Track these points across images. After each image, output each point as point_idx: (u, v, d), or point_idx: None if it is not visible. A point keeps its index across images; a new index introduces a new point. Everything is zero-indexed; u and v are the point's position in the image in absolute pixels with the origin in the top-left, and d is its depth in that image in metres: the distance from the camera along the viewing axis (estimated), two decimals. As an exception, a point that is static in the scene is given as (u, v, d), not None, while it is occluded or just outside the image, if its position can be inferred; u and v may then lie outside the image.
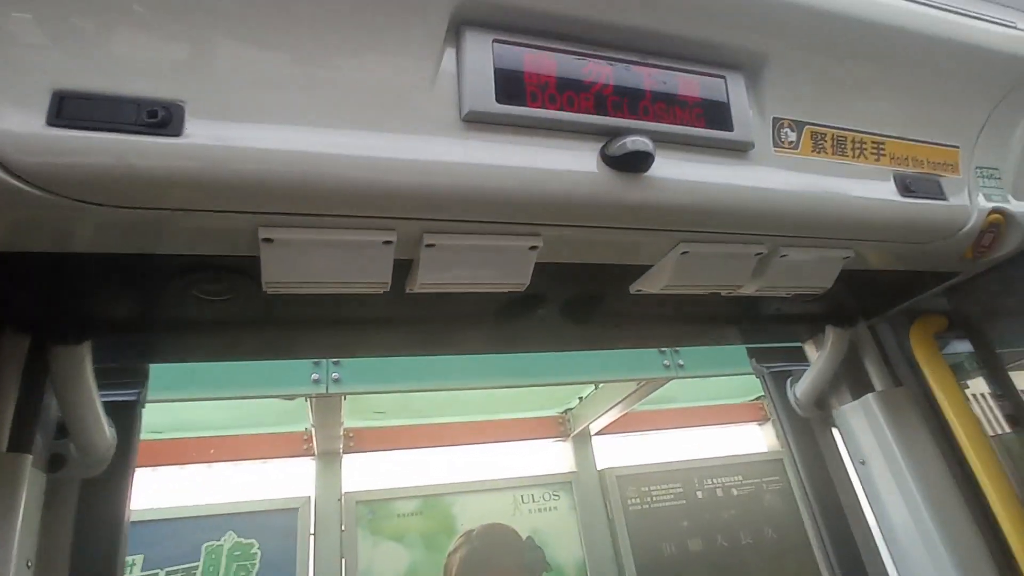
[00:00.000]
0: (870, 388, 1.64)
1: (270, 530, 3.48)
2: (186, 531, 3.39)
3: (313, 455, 3.76)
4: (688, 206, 0.99)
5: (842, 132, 1.16)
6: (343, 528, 3.56)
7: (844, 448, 1.68)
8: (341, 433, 3.57)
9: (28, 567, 1.04)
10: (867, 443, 1.60)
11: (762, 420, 4.77)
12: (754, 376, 1.92)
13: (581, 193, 0.92)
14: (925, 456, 1.52)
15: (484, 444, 4.03)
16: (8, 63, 0.69)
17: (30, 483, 1.06)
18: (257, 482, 3.75)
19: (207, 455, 3.69)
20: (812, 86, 1.14)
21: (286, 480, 3.76)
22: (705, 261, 1.08)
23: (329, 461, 3.75)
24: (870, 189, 1.15)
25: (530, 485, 3.90)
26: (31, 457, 1.08)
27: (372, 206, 0.82)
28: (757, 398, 4.66)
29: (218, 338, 1.27)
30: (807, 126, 1.13)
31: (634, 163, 0.92)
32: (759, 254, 1.11)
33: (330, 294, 0.97)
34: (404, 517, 3.69)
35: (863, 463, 1.62)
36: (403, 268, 0.94)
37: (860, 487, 1.63)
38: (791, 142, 1.11)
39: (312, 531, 3.53)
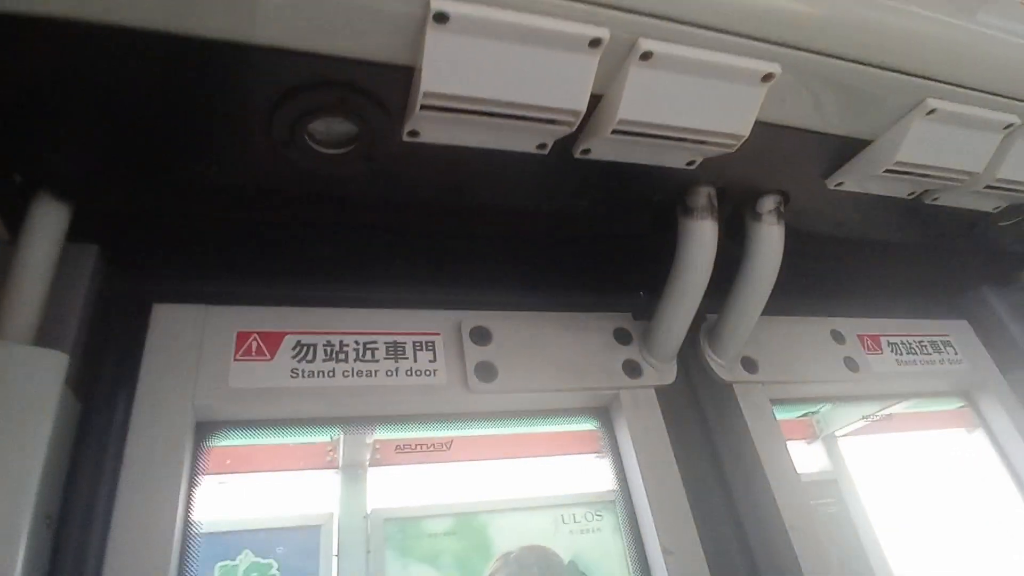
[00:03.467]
0: None
1: (290, 550, 3.17)
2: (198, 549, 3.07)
3: (337, 467, 3.46)
4: (943, 42, 0.77)
5: None
6: (369, 549, 3.25)
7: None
8: (370, 442, 3.28)
9: (47, 524, 0.81)
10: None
11: (810, 438, 4.47)
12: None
13: (827, 10, 0.70)
14: None
15: (523, 458, 3.73)
16: None
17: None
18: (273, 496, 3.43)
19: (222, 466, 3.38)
20: None
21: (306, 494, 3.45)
22: (948, 130, 0.85)
23: (354, 474, 3.45)
24: None
25: (571, 504, 3.59)
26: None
27: None
28: (804, 414, 4.36)
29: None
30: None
31: (896, -27, 0.71)
32: (1009, 126, 0.88)
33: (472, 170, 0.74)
34: (436, 537, 3.38)
35: None
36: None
37: None
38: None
39: (335, 552, 3.21)
